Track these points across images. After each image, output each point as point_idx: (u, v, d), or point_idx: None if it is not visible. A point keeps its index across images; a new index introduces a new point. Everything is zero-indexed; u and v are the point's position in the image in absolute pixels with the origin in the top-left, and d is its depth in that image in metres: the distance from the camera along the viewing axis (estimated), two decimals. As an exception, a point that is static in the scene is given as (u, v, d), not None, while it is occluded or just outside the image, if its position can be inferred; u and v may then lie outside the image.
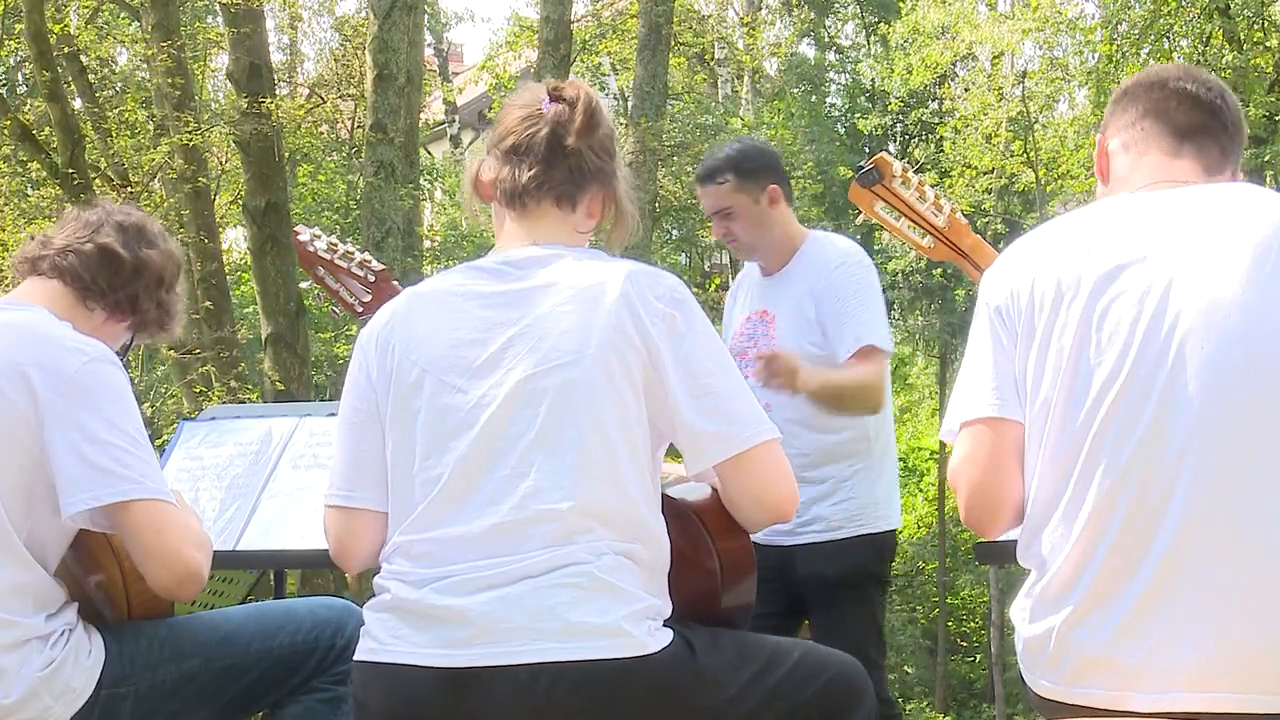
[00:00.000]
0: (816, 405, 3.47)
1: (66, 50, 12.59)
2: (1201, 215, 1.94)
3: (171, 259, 2.67)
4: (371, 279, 3.36)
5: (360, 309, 3.37)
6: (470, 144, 23.92)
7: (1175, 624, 1.81)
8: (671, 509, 2.23)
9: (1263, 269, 1.86)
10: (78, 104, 13.18)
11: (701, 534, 2.26)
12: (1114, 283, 1.90)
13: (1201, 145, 2.10)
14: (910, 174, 2.63)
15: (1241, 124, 2.15)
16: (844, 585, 3.58)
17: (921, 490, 22.43)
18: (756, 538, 3.71)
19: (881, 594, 3.71)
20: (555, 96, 2.29)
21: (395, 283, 3.33)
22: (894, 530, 3.69)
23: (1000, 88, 17.55)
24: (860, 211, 2.74)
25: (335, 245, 3.38)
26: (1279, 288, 1.86)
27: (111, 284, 2.57)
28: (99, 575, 2.47)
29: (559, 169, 2.27)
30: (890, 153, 2.91)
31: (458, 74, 24.38)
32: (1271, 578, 1.80)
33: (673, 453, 2.27)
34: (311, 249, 3.37)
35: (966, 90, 18.60)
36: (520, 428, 2.10)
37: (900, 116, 20.33)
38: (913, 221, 2.65)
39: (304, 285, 3.49)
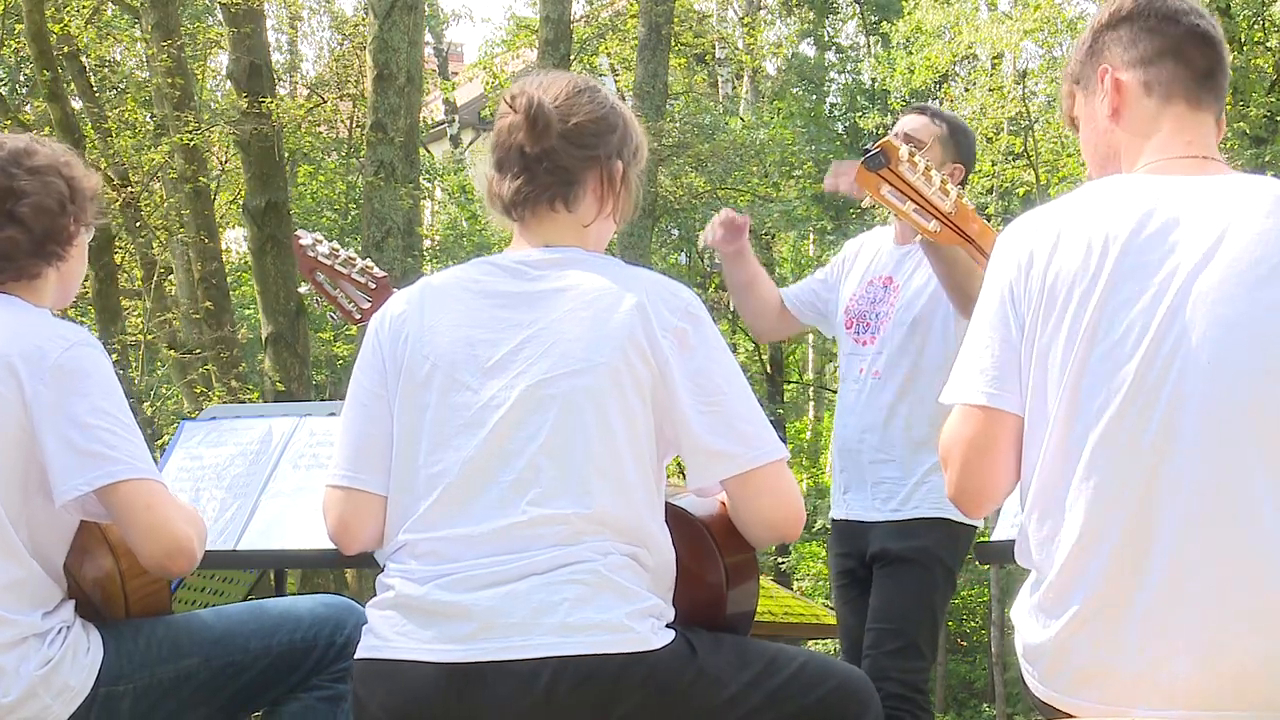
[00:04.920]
0: (936, 268, 3.33)
1: (66, 50, 12.59)
2: (1212, 214, 1.89)
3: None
4: (372, 286, 3.36)
5: (359, 316, 3.37)
6: (470, 144, 23.93)
7: (1177, 638, 1.79)
8: (677, 519, 2.24)
9: (1256, 273, 1.83)
10: (78, 104, 13.19)
11: (708, 544, 2.27)
12: (1125, 288, 1.86)
13: (1216, 89, 2.06)
14: (916, 158, 2.59)
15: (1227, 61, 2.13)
16: (910, 562, 3.51)
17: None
18: (836, 514, 3.72)
19: (947, 587, 3.60)
20: (510, 106, 2.27)
21: (396, 290, 3.33)
22: (972, 528, 3.61)
23: (1001, 87, 17.55)
24: (858, 211, 2.72)
25: (336, 251, 3.38)
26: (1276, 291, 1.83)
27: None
28: (96, 571, 2.46)
29: (539, 174, 2.25)
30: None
31: (457, 74, 24.38)
32: (1271, 591, 1.78)
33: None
34: (312, 254, 3.37)
35: (967, 90, 18.59)
36: (529, 432, 2.11)
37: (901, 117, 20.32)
38: (919, 205, 2.61)
39: (303, 289, 3.49)
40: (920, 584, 3.52)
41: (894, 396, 3.58)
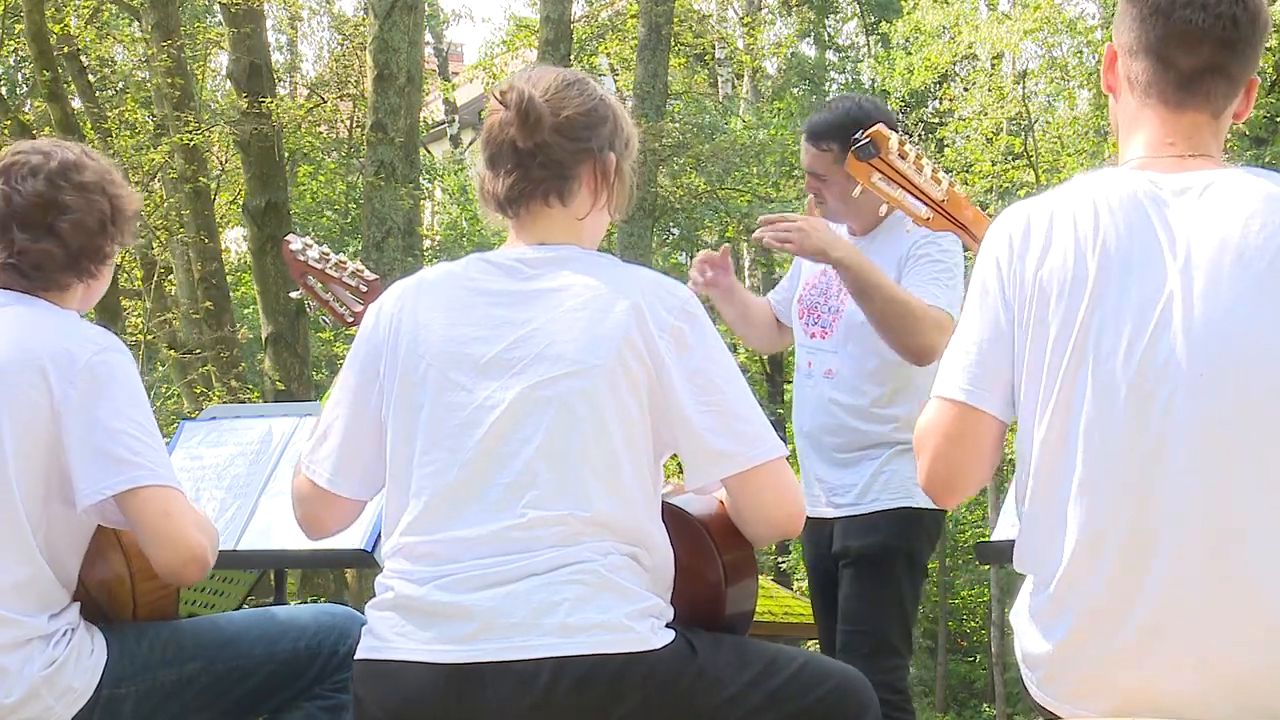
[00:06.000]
0: (852, 293, 3.33)
1: (66, 50, 12.61)
2: (1199, 215, 1.87)
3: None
4: (364, 289, 3.35)
5: (350, 319, 3.37)
6: (470, 144, 23.92)
7: (1177, 648, 1.78)
8: (674, 518, 2.24)
9: (1246, 276, 1.82)
10: (78, 104, 13.20)
11: (706, 543, 2.27)
12: (1113, 294, 1.84)
13: (1208, 89, 1.94)
14: (907, 146, 2.58)
15: (1260, 24, 1.94)
16: (870, 559, 3.45)
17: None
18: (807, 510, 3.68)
19: (914, 575, 3.53)
20: (500, 102, 2.26)
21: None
22: (936, 511, 3.50)
23: (1001, 87, 17.55)
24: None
25: (327, 255, 3.38)
26: (1269, 294, 1.82)
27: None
28: (106, 573, 2.47)
29: (533, 169, 2.23)
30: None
31: (458, 74, 24.38)
32: (1272, 601, 1.77)
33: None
34: (302, 258, 3.37)
35: (966, 90, 18.60)
36: (525, 435, 2.10)
37: (900, 116, 20.33)
38: (911, 193, 2.60)
39: (294, 295, 3.49)
40: (885, 581, 3.46)
41: (848, 396, 3.50)
